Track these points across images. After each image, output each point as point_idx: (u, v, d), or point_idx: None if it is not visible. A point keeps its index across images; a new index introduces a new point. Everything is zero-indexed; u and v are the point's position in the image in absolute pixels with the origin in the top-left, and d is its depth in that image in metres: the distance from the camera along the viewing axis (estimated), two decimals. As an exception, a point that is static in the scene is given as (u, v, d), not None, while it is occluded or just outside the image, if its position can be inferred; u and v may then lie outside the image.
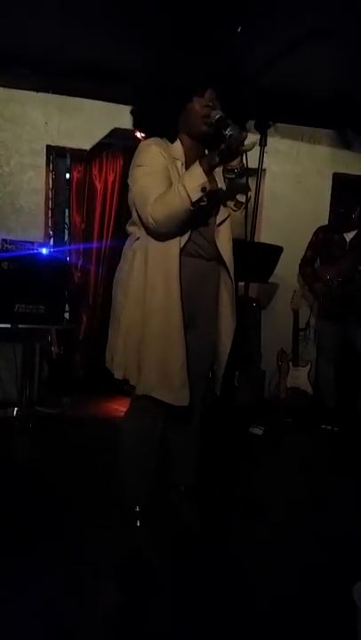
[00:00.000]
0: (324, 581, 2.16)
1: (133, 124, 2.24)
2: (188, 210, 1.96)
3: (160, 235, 2.07)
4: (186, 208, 1.96)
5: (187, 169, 2.07)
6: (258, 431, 4.02)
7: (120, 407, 4.51)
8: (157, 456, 2.31)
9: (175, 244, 2.09)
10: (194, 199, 1.93)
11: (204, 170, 1.94)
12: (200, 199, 1.94)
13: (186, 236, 2.11)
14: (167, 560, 2.19)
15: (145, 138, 2.20)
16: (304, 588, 2.11)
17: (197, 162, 1.97)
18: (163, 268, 2.09)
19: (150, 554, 2.20)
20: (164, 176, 2.06)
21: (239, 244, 2.31)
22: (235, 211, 2.26)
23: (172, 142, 2.15)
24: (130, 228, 2.24)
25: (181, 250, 2.10)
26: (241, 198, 2.24)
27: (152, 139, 2.14)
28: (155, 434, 2.27)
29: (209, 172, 1.96)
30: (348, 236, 4.22)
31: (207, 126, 2.08)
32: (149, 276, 2.10)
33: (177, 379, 2.10)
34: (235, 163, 2.14)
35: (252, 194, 2.32)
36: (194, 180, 1.94)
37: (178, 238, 2.09)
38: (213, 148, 2.23)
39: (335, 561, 2.32)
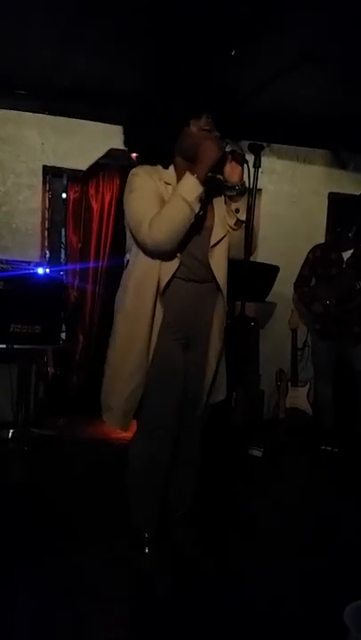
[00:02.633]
0: (322, 602, 2.12)
1: (128, 150, 2.25)
2: (190, 221, 2.00)
3: (161, 254, 2.06)
4: (189, 220, 2.00)
5: None
6: (257, 453, 3.97)
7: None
8: (166, 481, 2.27)
9: (154, 272, 2.09)
10: (196, 210, 1.98)
11: (199, 179, 1.99)
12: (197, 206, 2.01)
13: (175, 264, 2.10)
14: (170, 584, 2.16)
15: (140, 160, 2.20)
16: (301, 607, 2.09)
17: (188, 173, 2.01)
18: (142, 292, 2.10)
19: (159, 580, 2.16)
20: (156, 199, 2.07)
21: (235, 264, 2.30)
22: (234, 230, 2.25)
23: (166, 167, 2.15)
24: (126, 255, 2.24)
25: (173, 275, 2.10)
26: (241, 217, 2.23)
27: (140, 166, 2.16)
28: (163, 459, 2.23)
29: (204, 182, 2.01)
30: (346, 255, 4.22)
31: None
32: (130, 300, 2.13)
33: (117, 400, 2.16)
34: (236, 180, 2.15)
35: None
36: (192, 192, 1.98)
37: (157, 265, 2.09)
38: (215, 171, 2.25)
39: (333, 581, 2.29)
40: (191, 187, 1.98)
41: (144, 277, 2.11)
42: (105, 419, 2.24)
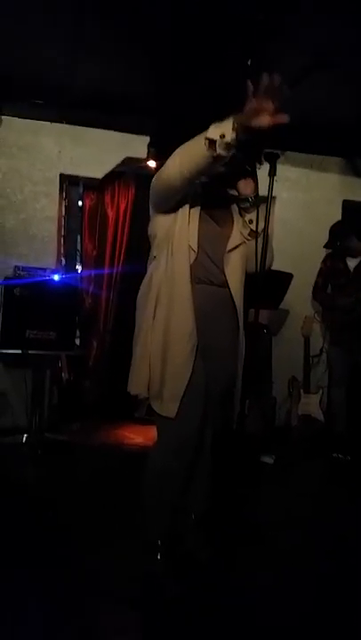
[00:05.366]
0: (328, 607, 2.12)
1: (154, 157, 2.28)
2: (205, 160, 1.91)
3: (183, 183, 2.03)
4: (202, 156, 1.91)
5: (203, 207, 2.15)
6: (269, 460, 3.97)
7: (130, 434, 4.49)
8: (183, 492, 2.28)
9: (184, 264, 2.12)
10: (213, 150, 1.86)
11: (233, 126, 1.84)
12: (215, 144, 1.85)
13: (193, 255, 2.14)
14: (180, 590, 2.15)
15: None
16: (306, 613, 2.08)
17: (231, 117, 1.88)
18: (171, 284, 2.12)
19: (169, 586, 2.15)
20: None
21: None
22: (249, 240, 2.27)
23: None
24: (151, 256, 2.28)
25: (190, 274, 2.13)
26: (254, 227, 2.25)
27: None
28: (182, 473, 2.23)
29: (238, 128, 1.84)
30: (352, 263, 4.25)
31: (224, 167, 2.12)
32: (160, 293, 2.14)
33: (169, 389, 2.10)
34: (249, 191, 2.20)
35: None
36: (216, 131, 1.87)
37: (187, 258, 2.12)
38: (229, 185, 2.29)
39: (340, 588, 2.28)
40: (219, 128, 1.87)
41: (175, 270, 2.13)
42: (155, 408, 2.16)
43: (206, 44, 3.41)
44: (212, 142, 1.85)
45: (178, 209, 2.16)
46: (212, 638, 1.89)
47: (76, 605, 2.00)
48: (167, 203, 2.17)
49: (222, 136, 1.83)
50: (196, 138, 1.94)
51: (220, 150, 1.85)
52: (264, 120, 1.82)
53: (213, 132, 1.85)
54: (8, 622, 1.86)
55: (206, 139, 1.86)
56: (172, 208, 2.17)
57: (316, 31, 3.28)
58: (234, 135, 1.83)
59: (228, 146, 1.84)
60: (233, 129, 1.83)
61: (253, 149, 2.16)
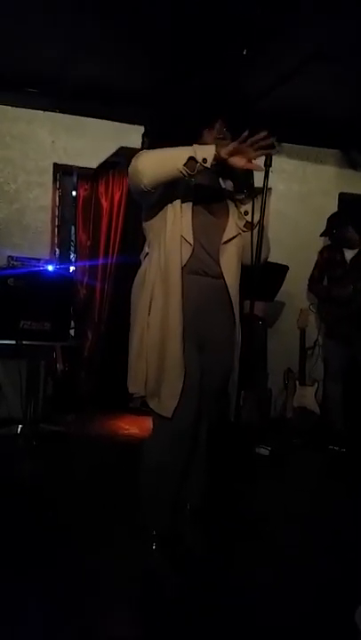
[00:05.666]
0: (328, 604, 2.12)
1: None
2: (180, 163, 1.97)
3: (137, 181, 2.07)
4: (172, 169, 1.99)
5: (196, 199, 2.14)
6: (264, 451, 3.98)
7: (125, 425, 4.50)
8: (179, 483, 2.27)
9: (177, 257, 2.11)
10: (185, 171, 1.96)
11: (215, 154, 1.97)
12: (192, 164, 1.96)
13: (188, 251, 2.12)
14: (177, 583, 2.15)
15: None
16: (306, 611, 2.08)
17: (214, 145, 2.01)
18: (164, 278, 2.11)
19: (164, 577, 2.16)
20: None
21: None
22: (245, 231, 2.26)
23: None
24: (144, 249, 2.27)
25: (184, 266, 2.12)
26: (250, 219, 2.24)
27: None
28: (177, 466, 2.22)
29: (217, 159, 1.98)
30: (349, 255, 4.25)
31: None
32: (154, 287, 2.14)
33: (167, 388, 2.10)
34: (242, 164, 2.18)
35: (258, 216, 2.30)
36: (202, 150, 1.98)
37: (179, 251, 2.11)
38: (226, 176, 2.27)
39: (339, 583, 2.29)
40: (203, 152, 1.97)
41: (168, 263, 2.12)
42: (153, 406, 2.15)
43: (206, 43, 3.37)
44: (192, 161, 1.97)
45: (167, 203, 2.15)
46: (212, 638, 1.90)
47: (76, 605, 2.00)
48: (144, 198, 2.18)
49: (204, 160, 1.98)
50: (174, 150, 2.02)
51: (196, 170, 1.99)
52: (239, 162, 2.01)
53: (197, 153, 1.98)
54: (8, 622, 1.86)
55: (190, 157, 1.96)
56: (153, 203, 2.17)
57: (316, 31, 3.25)
58: (213, 163, 1.99)
59: (204, 169, 2.00)
60: (214, 158, 1.98)
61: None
